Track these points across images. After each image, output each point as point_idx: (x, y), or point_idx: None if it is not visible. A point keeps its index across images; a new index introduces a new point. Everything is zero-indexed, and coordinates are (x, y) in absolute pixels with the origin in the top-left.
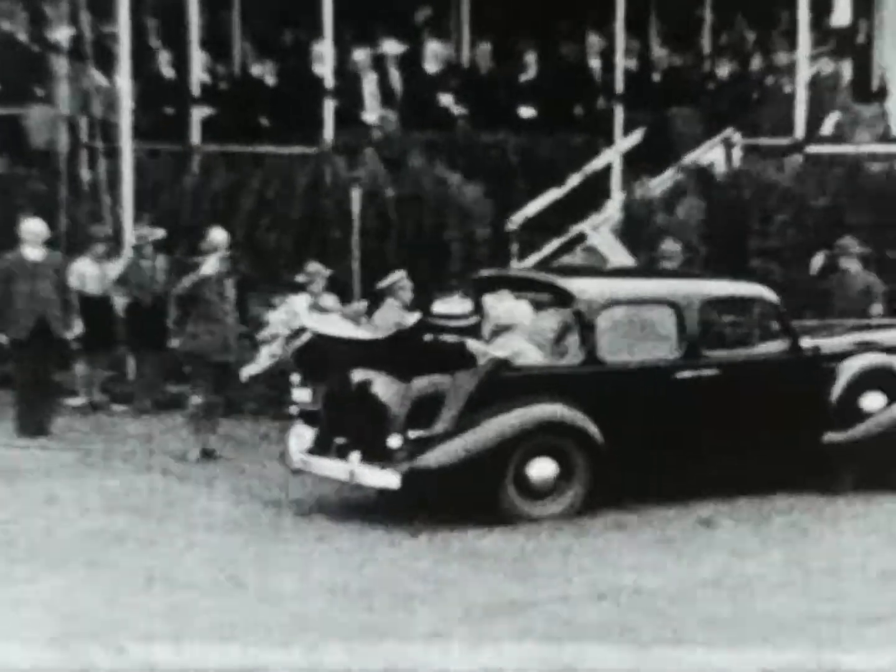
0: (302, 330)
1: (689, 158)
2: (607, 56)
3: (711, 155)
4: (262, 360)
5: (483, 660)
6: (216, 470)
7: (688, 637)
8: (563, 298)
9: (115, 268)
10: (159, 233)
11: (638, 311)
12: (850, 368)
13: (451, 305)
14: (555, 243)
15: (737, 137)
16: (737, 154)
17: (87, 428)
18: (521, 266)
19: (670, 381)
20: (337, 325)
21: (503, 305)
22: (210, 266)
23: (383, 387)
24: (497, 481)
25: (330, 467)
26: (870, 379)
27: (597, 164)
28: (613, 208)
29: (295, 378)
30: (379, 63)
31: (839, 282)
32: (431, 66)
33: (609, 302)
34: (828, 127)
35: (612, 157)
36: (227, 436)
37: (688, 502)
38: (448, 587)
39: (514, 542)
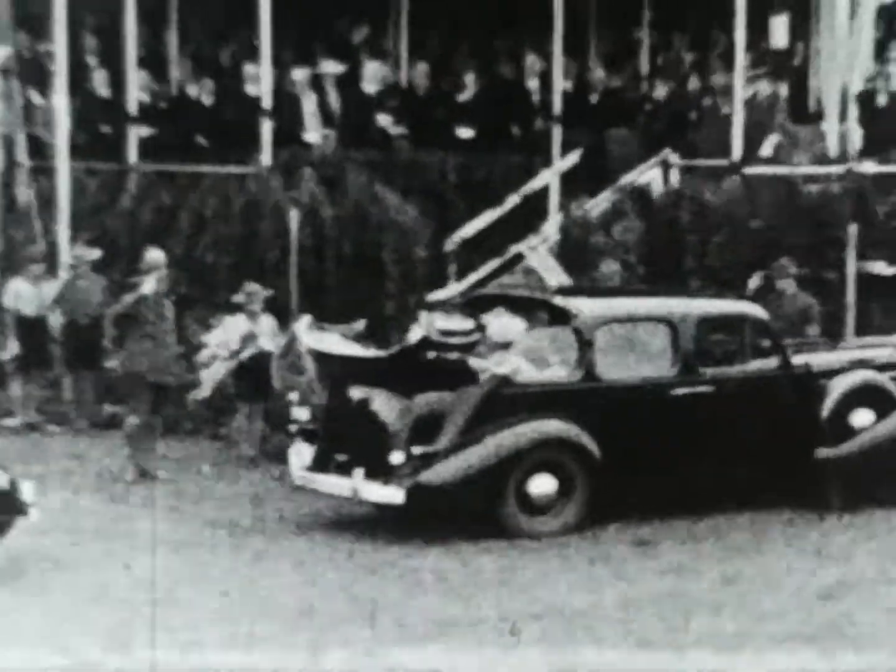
0: (241, 350)
1: (627, 179)
2: (545, 77)
3: (648, 176)
4: (208, 382)
5: None
6: (154, 490)
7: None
8: (559, 316)
9: (52, 288)
10: (96, 252)
11: (634, 328)
12: (839, 385)
13: (453, 322)
14: (493, 264)
15: (674, 158)
16: (674, 175)
17: (22, 448)
18: (509, 284)
19: (666, 397)
20: (337, 343)
21: (499, 322)
22: (148, 286)
23: (383, 403)
24: (499, 497)
25: (332, 484)
26: (859, 396)
27: (534, 184)
28: (551, 229)
29: (294, 396)
30: (318, 83)
31: (775, 303)
32: (370, 86)
33: (606, 320)
34: (767, 148)
35: (549, 177)
36: (165, 456)
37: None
38: (383, 609)
39: (456, 563)
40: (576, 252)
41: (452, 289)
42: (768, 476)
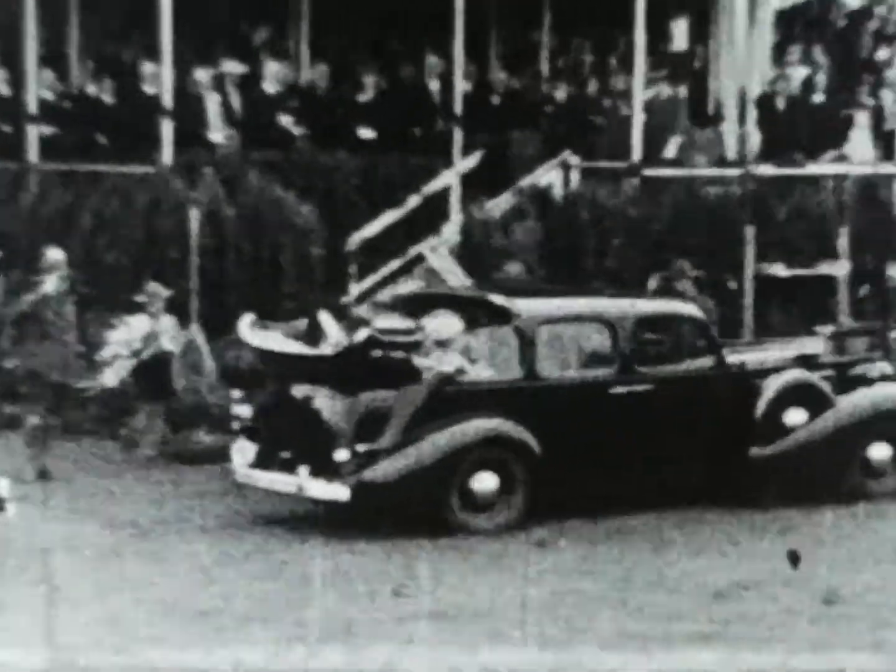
0: (142, 349)
1: (527, 181)
2: (446, 78)
3: (549, 177)
4: (109, 380)
5: None
6: (52, 490)
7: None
8: (499, 316)
9: None
10: None
11: (575, 328)
12: (773, 384)
13: (395, 321)
14: (393, 265)
15: (574, 160)
16: (574, 177)
17: None
18: (445, 287)
19: (606, 396)
20: (280, 341)
21: (439, 322)
22: (48, 285)
23: (326, 402)
24: (442, 494)
25: (276, 481)
26: (792, 395)
27: (435, 185)
28: (452, 230)
29: (236, 393)
30: (220, 83)
31: None
32: (271, 87)
33: (547, 319)
34: (671, 150)
35: (450, 178)
36: (64, 456)
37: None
38: (286, 608)
39: (358, 563)
40: (476, 253)
41: (353, 289)
42: (703, 474)
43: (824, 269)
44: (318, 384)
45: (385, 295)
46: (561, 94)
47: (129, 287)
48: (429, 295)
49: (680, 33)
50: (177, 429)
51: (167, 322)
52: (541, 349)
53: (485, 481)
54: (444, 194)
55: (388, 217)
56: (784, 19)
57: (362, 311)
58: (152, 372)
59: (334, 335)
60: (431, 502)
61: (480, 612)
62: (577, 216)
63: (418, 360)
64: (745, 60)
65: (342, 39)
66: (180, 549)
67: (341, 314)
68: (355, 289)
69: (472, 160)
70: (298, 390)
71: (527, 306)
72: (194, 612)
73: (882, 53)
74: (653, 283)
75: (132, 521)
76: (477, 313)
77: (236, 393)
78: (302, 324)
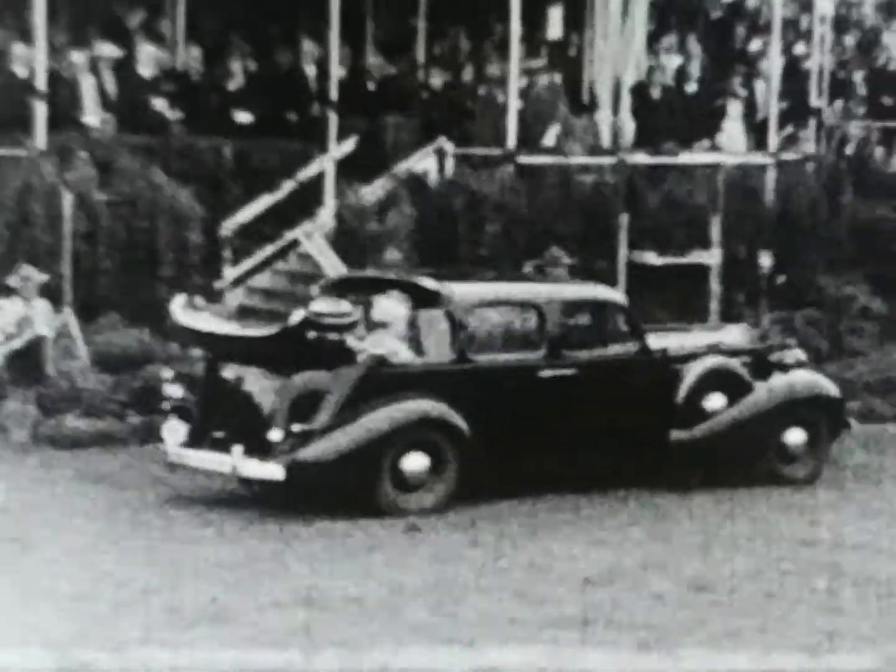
0: (15, 334)
1: (402, 167)
2: (322, 63)
3: (424, 164)
4: None
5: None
6: None
7: (396, 641)
8: (429, 300)
9: None
10: None
11: (504, 312)
12: (694, 370)
13: (331, 305)
14: (268, 249)
15: (449, 147)
16: (449, 163)
17: None
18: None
19: (533, 379)
20: (213, 322)
21: (384, 304)
22: None
23: (259, 382)
24: (374, 474)
25: (210, 460)
26: (712, 380)
27: (310, 170)
28: (327, 215)
29: (167, 374)
30: (95, 66)
31: None
32: (146, 70)
33: (478, 303)
34: (550, 139)
35: (325, 164)
36: None
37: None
38: (154, 594)
39: (232, 549)
40: (351, 239)
41: (228, 274)
42: (626, 457)
43: (696, 257)
44: (251, 365)
45: (260, 279)
46: (437, 80)
47: (2, 271)
48: (357, 278)
49: (555, 21)
50: (49, 414)
51: (41, 306)
52: (471, 333)
53: (416, 462)
54: (319, 179)
55: (264, 202)
56: (659, 9)
57: (237, 295)
58: (25, 357)
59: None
60: (364, 482)
61: (350, 597)
62: (451, 203)
63: (352, 342)
64: (619, 49)
65: (217, 23)
66: (51, 535)
67: (216, 299)
68: (230, 273)
69: (348, 146)
70: (230, 371)
71: (458, 290)
72: (67, 598)
73: (755, 45)
74: (527, 270)
75: (2, 506)
76: (408, 296)
77: (167, 373)
78: (231, 304)
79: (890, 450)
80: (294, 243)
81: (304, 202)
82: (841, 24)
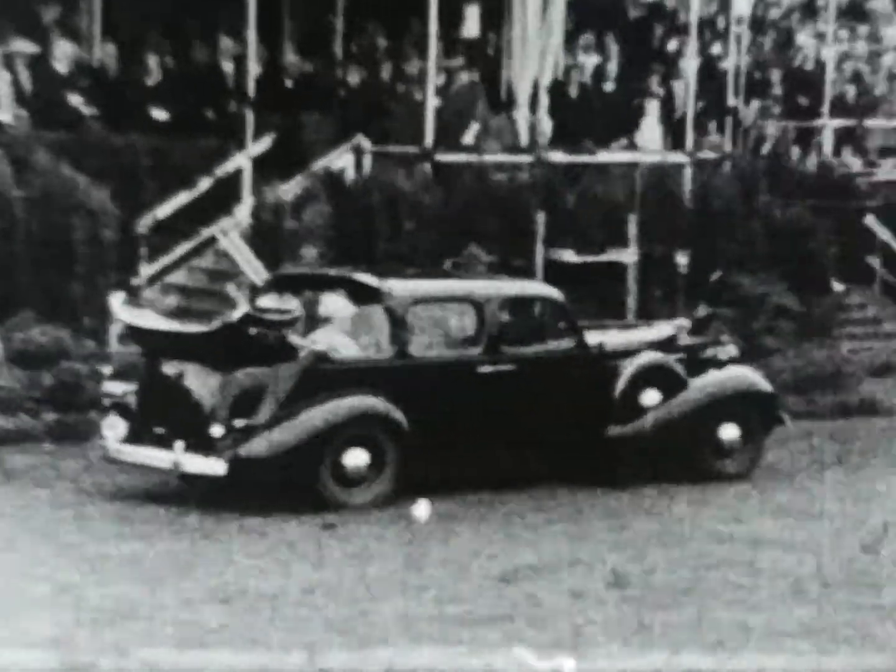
0: None
1: (320, 164)
2: (240, 60)
3: (342, 161)
4: None
5: (105, 665)
6: None
7: (312, 639)
8: (369, 296)
9: None
10: None
11: (443, 308)
12: (630, 366)
13: (275, 301)
14: (185, 246)
15: (367, 144)
16: (367, 161)
17: None
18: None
19: (472, 375)
20: (154, 319)
21: (328, 301)
22: None
23: (199, 378)
24: (315, 470)
25: (151, 456)
26: (648, 376)
27: (227, 167)
28: (244, 212)
29: (106, 370)
30: (10, 62)
31: None
32: (61, 66)
33: (417, 299)
34: (469, 137)
35: (242, 161)
36: None
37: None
38: (68, 592)
39: (141, 546)
40: (268, 236)
41: (144, 271)
42: (563, 453)
43: (614, 255)
44: (191, 361)
45: (177, 276)
46: (354, 78)
47: None
48: (297, 275)
49: (472, 20)
50: None
51: None
52: (411, 329)
53: (356, 457)
54: (236, 176)
55: (180, 199)
56: (576, 8)
57: (154, 292)
58: None
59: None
60: (305, 478)
61: (265, 595)
62: (369, 200)
63: (294, 338)
64: (537, 48)
65: (135, 19)
66: None
67: (132, 295)
68: (146, 270)
69: (265, 143)
70: (171, 367)
71: (397, 287)
72: None
73: (672, 45)
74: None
75: None
76: (348, 293)
77: (107, 370)
78: (172, 300)
79: (805, 447)
80: (211, 240)
81: (222, 199)
82: (757, 25)
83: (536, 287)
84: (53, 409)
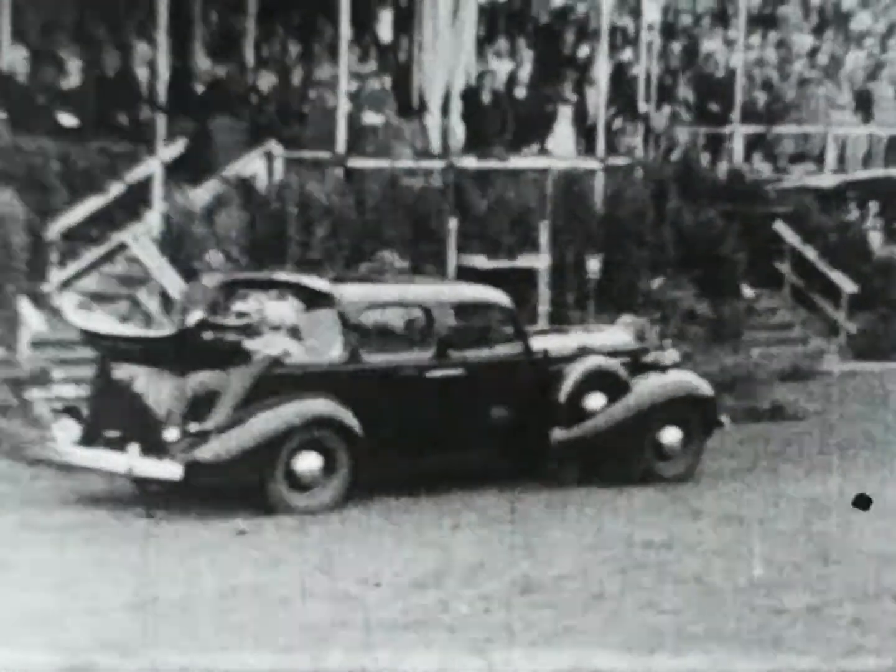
0: None
1: (231, 170)
2: (151, 65)
3: (253, 167)
4: None
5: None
6: None
7: (208, 645)
8: (320, 301)
9: None
10: None
11: (395, 313)
12: (575, 370)
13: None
14: (95, 252)
15: (278, 150)
16: (279, 166)
17: None
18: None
19: (421, 379)
20: (107, 322)
21: (270, 306)
22: None
23: (152, 382)
24: (268, 473)
25: (104, 459)
26: (592, 380)
27: (138, 173)
28: (155, 218)
29: (58, 374)
30: None
31: None
32: None
33: (368, 304)
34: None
35: (153, 166)
36: None
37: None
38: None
39: (55, 552)
40: (179, 242)
41: (54, 277)
42: (509, 456)
43: (525, 261)
44: (145, 364)
45: (88, 282)
46: (266, 83)
47: None
48: (248, 279)
49: (385, 24)
50: None
51: None
52: (362, 333)
53: (308, 461)
54: (147, 182)
55: (91, 204)
56: (488, 14)
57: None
58: None
59: (34, 323)
60: (258, 481)
61: (174, 602)
62: (281, 206)
63: (248, 343)
64: (449, 53)
65: (44, 22)
66: None
67: (41, 302)
68: (56, 276)
69: (176, 148)
70: (123, 370)
71: (349, 291)
72: None
73: (583, 51)
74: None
75: None
76: (299, 297)
77: (58, 373)
78: (123, 305)
79: (717, 450)
80: (122, 246)
81: (132, 205)
82: (668, 31)
83: (485, 292)
84: None
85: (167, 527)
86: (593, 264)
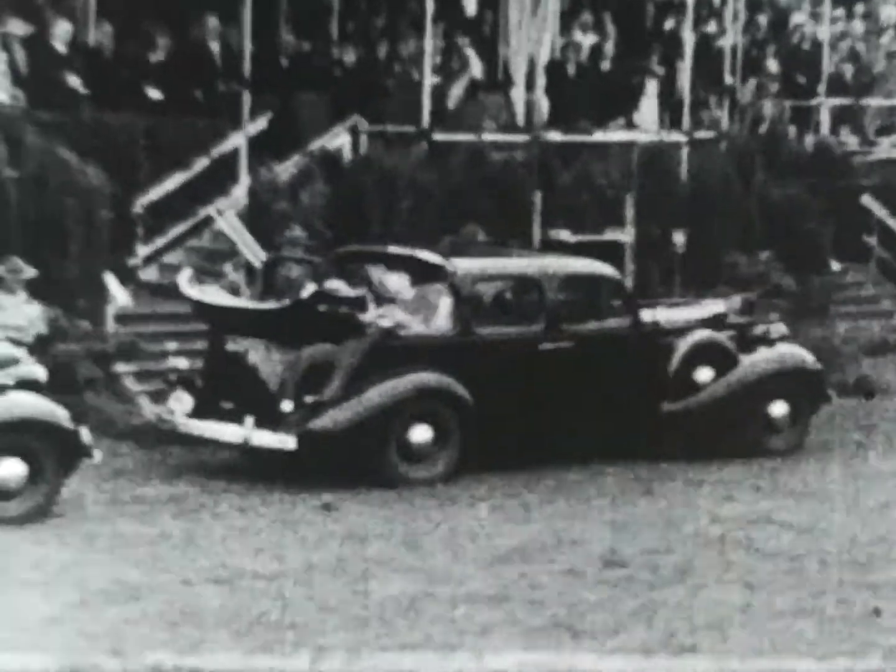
0: None
1: (316, 144)
2: (236, 39)
3: (338, 141)
4: None
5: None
6: None
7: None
8: (433, 274)
9: None
10: None
11: (506, 285)
12: (684, 343)
13: (341, 285)
14: (181, 227)
15: (363, 124)
16: (363, 140)
17: None
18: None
19: (533, 352)
20: (220, 295)
21: (388, 278)
22: None
23: (267, 354)
24: (381, 445)
25: (220, 431)
26: (702, 353)
27: (223, 147)
28: (240, 192)
29: (171, 345)
30: (6, 42)
31: None
32: (58, 46)
33: (480, 277)
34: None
35: (238, 140)
36: None
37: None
38: (65, 573)
39: (142, 527)
40: (264, 216)
41: (140, 251)
42: (619, 428)
43: (611, 235)
44: (258, 337)
45: (173, 256)
46: (350, 57)
47: None
48: (362, 252)
49: None
50: None
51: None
52: (474, 306)
53: (421, 433)
54: (232, 157)
55: (176, 179)
56: None
57: (151, 273)
58: None
59: (119, 296)
60: (371, 453)
61: (263, 575)
62: (365, 180)
63: (362, 316)
64: (534, 27)
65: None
66: None
67: (129, 276)
68: (142, 251)
69: (261, 123)
70: (236, 343)
71: (461, 265)
72: None
73: (669, 23)
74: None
75: None
76: (409, 270)
77: (172, 345)
78: (237, 277)
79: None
80: (207, 220)
81: (218, 179)
82: (754, 3)
83: (595, 265)
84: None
85: (254, 500)
86: (678, 238)
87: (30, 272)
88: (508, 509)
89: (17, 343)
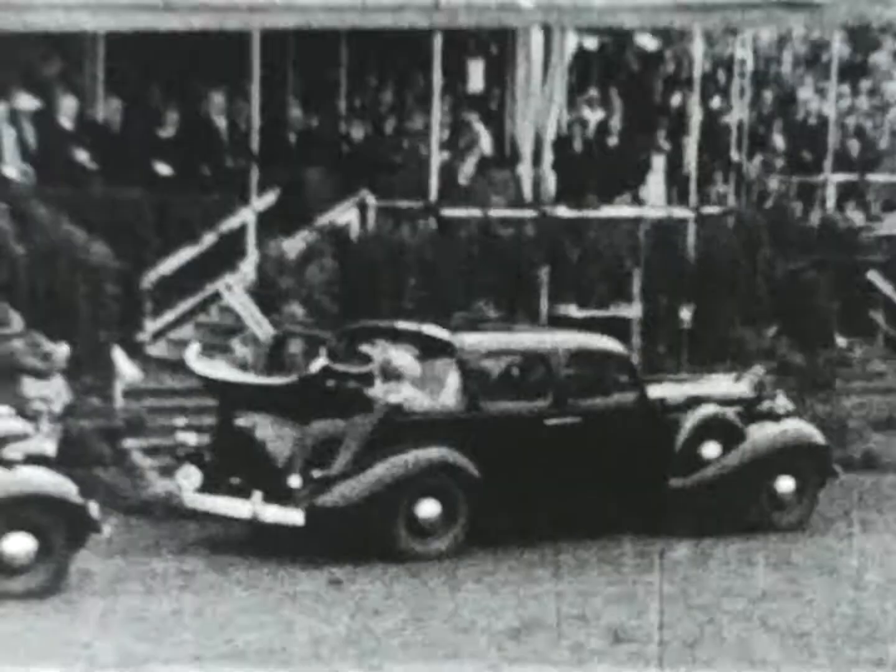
0: None
1: (324, 219)
2: (238, 114)
3: (346, 217)
4: None
5: None
6: None
7: None
8: (439, 349)
9: None
10: None
11: (512, 361)
12: (691, 419)
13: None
14: (190, 302)
15: (371, 199)
16: (371, 216)
17: None
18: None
19: (540, 427)
20: (228, 370)
21: (394, 354)
22: None
23: (275, 429)
24: (390, 520)
25: (228, 506)
26: (708, 429)
27: (232, 223)
28: (248, 268)
29: (179, 420)
30: (14, 118)
31: None
32: (66, 122)
33: (488, 353)
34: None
35: (247, 216)
36: None
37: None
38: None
39: (152, 603)
40: (272, 291)
41: (149, 327)
42: (626, 504)
43: (617, 310)
44: (266, 412)
45: (182, 332)
46: (358, 132)
47: None
48: (370, 328)
49: (477, 74)
50: None
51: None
52: (482, 382)
53: (429, 508)
54: (240, 232)
55: (185, 254)
56: (580, 62)
57: (159, 348)
58: None
59: (127, 372)
60: (380, 528)
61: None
62: (373, 255)
63: (370, 391)
64: (541, 103)
65: (138, 74)
66: None
67: (137, 351)
68: (151, 326)
69: (269, 198)
70: (244, 418)
71: (468, 340)
72: None
73: (676, 98)
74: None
75: None
76: (415, 346)
77: (180, 420)
78: (246, 351)
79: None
80: (216, 295)
81: (226, 254)
82: (760, 79)
83: (602, 341)
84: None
85: (262, 575)
86: (685, 314)
87: (63, 351)
88: (516, 584)
89: (41, 414)
